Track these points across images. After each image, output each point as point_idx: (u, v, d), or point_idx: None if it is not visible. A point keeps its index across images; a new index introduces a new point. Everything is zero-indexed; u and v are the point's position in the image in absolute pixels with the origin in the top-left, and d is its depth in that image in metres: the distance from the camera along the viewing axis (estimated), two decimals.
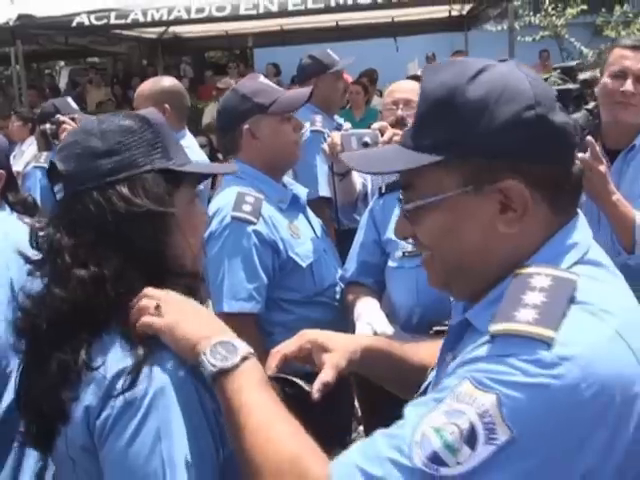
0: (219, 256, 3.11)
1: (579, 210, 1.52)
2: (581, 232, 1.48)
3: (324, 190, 4.73)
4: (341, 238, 4.06)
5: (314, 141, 4.95)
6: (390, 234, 3.22)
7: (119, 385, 1.57)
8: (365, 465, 1.32)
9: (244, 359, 1.54)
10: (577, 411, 1.25)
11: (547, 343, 1.26)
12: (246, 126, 3.25)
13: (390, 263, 3.24)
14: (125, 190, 1.67)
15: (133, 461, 1.54)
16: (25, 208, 3.18)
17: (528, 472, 1.24)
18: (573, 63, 3.06)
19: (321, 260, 3.31)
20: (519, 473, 1.24)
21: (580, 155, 2.86)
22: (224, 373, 1.53)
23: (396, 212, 3.10)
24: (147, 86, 4.94)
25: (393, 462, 1.29)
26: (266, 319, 3.18)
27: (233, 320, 2.95)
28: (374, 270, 3.32)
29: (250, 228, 3.11)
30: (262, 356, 3.03)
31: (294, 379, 1.79)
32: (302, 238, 3.28)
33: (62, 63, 19.65)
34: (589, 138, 2.88)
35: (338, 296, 3.35)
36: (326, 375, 1.77)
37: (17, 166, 6.71)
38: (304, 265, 3.21)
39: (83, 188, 1.70)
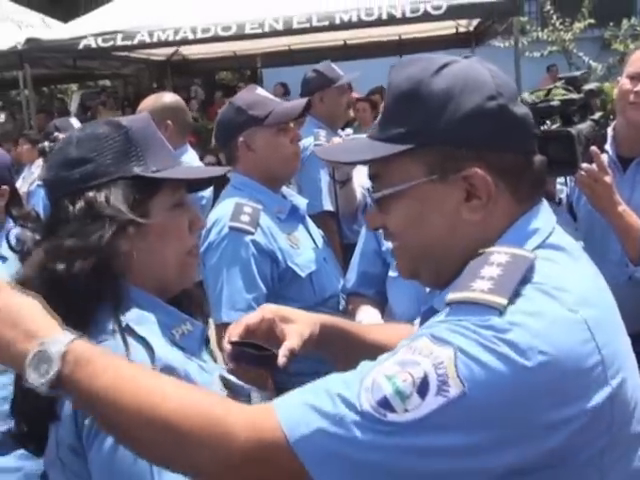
0: (217, 266, 3.11)
1: (543, 198, 1.57)
2: (542, 218, 1.52)
3: (328, 204, 4.72)
4: (345, 252, 4.04)
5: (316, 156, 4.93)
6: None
7: None
8: (315, 401, 1.31)
9: (64, 357, 1.38)
10: (525, 377, 1.27)
11: (499, 310, 1.30)
12: (241, 138, 3.27)
13: (391, 273, 3.21)
14: (90, 196, 1.68)
15: (121, 461, 1.53)
16: (29, 222, 3.20)
17: (473, 427, 1.26)
18: (577, 73, 3.02)
19: (321, 270, 3.30)
20: (464, 427, 1.26)
21: (585, 166, 2.83)
22: (56, 385, 1.40)
23: None
24: (149, 102, 4.94)
25: (343, 398, 1.30)
26: None
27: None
28: (375, 280, 3.28)
29: (248, 238, 3.11)
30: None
31: (259, 343, 1.76)
32: (301, 248, 3.28)
33: (74, 87, 19.82)
34: (594, 148, 2.85)
35: (341, 307, 3.33)
36: (291, 342, 1.77)
37: (25, 187, 6.73)
38: (303, 275, 3.20)
39: (59, 196, 1.73)
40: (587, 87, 2.92)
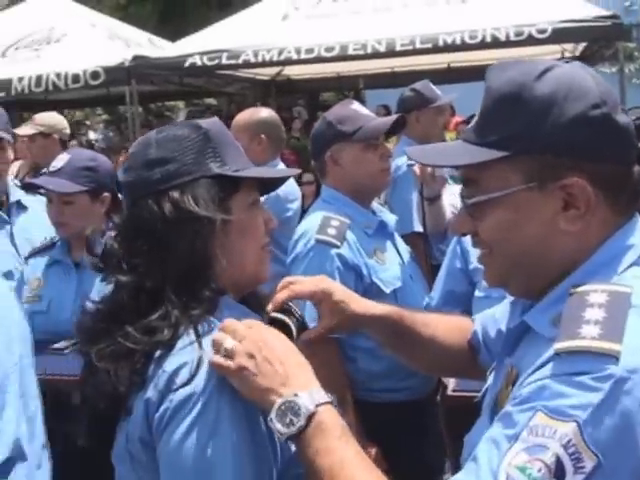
0: None
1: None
2: (638, 234, 1.47)
3: (418, 225, 4.65)
4: (433, 273, 3.99)
5: (410, 175, 4.89)
6: (478, 262, 3.14)
7: (178, 379, 1.57)
8: None
9: (310, 418, 1.47)
10: None
11: (615, 357, 1.25)
12: (329, 153, 3.28)
13: (477, 293, 3.17)
14: (176, 196, 1.69)
15: (186, 457, 1.54)
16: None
17: None
18: None
19: (406, 287, 3.29)
20: None
21: None
22: (294, 438, 1.49)
23: None
24: (245, 116, 5.00)
25: None
26: (349, 344, 3.18)
27: (314, 344, 2.94)
28: (460, 299, 3.26)
29: (334, 251, 3.13)
30: (342, 381, 3.03)
31: (289, 319, 1.81)
32: (387, 264, 3.27)
33: (181, 105, 20.25)
34: None
35: None
36: (325, 324, 1.92)
37: None
38: (388, 291, 3.19)
39: (139, 196, 1.74)
40: None
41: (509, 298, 1.81)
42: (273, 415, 1.49)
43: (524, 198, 1.45)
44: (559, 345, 1.31)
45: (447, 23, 8.92)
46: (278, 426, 1.48)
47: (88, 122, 19.14)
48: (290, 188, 4.93)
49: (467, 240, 3.26)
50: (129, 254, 1.71)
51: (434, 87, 5.55)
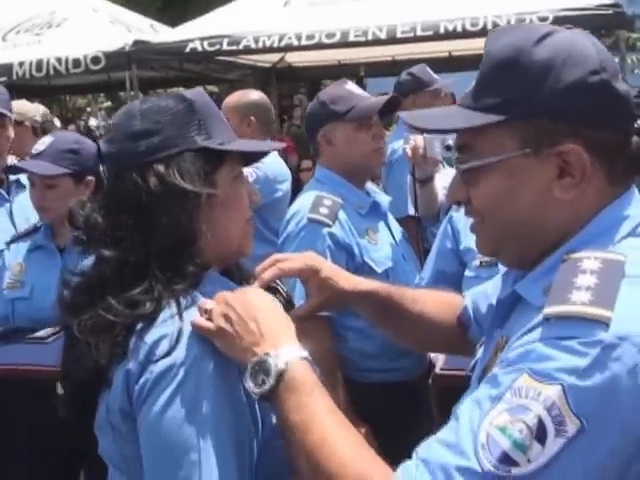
0: None
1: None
2: (634, 205, 1.45)
3: (413, 209, 4.64)
4: (426, 256, 4.00)
5: (406, 159, 4.89)
6: (469, 243, 3.14)
7: (159, 351, 1.57)
8: (430, 476, 1.27)
9: (281, 376, 1.47)
10: (636, 394, 1.22)
11: (605, 323, 1.24)
12: (321, 133, 3.27)
13: (467, 273, 3.18)
14: (161, 169, 1.68)
15: (166, 428, 1.53)
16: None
17: (598, 459, 1.21)
18: None
19: (398, 267, 3.31)
20: (590, 460, 1.21)
21: None
22: (269, 398, 1.50)
23: None
24: (234, 98, 5.05)
25: (460, 470, 1.24)
26: (340, 323, 3.19)
27: (305, 322, 2.95)
28: (450, 279, 3.24)
29: (325, 230, 3.14)
30: (333, 360, 3.03)
31: (275, 297, 1.77)
32: (380, 244, 3.28)
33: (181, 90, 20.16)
34: None
35: None
36: (312, 303, 1.93)
37: None
38: (379, 270, 3.20)
39: (123, 169, 1.72)
40: None
41: (500, 274, 1.81)
42: (247, 375, 1.51)
43: (519, 164, 1.44)
44: (548, 310, 1.30)
45: (448, 10, 8.90)
46: (251, 385, 1.50)
47: (89, 109, 19.14)
48: (279, 169, 4.96)
49: (458, 220, 3.27)
50: (113, 228, 1.69)
51: (431, 71, 5.55)
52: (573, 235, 1.43)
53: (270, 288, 1.82)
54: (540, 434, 1.21)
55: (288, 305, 1.83)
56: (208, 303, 1.60)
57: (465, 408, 1.32)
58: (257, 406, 1.60)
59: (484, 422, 1.26)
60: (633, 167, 1.48)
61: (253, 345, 1.53)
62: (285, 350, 1.51)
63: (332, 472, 1.36)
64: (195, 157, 1.70)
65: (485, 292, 1.97)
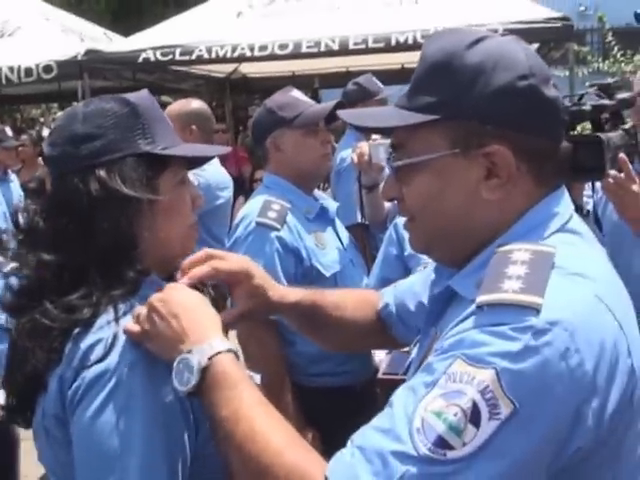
0: None
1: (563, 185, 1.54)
2: (563, 203, 1.50)
3: (360, 216, 4.68)
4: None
5: (355, 168, 4.94)
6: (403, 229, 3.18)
7: (93, 356, 1.56)
8: (366, 466, 1.28)
9: (203, 372, 1.49)
10: (568, 376, 1.26)
11: (535, 309, 1.27)
12: (270, 139, 3.29)
13: None
14: (102, 174, 1.66)
15: (97, 435, 1.52)
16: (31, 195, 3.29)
17: (531, 441, 1.24)
18: (610, 80, 2.98)
19: (346, 271, 3.32)
20: (523, 443, 1.24)
21: (612, 172, 2.78)
22: (193, 394, 1.51)
23: None
24: (176, 107, 5.09)
25: (396, 454, 1.26)
26: (288, 327, 3.15)
27: (252, 325, 2.96)
28: None
29: (273, 234, 3.15)
30: (280, 364, 3.04)
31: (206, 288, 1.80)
32: (327, 248, 3.30)
33: None
34: (622, 156, 2.80)
35: None
36: (240, 309, 1.84)
37: None
38: (327, 274, 3.23)
39: (65, 172, 1.70)
40: (620, 96, 2.87)
41: (429, 271, 1.85)
42: (173, 374, 1.51)
43: (448, 164, 1.47)
44: (480, 298, 1.33)
45: (400, 23, 9.02)
46: (176, 384, 1.50)
47: (42, 119, 19.00)
48: (221, 177, 5.00)
49: (402, 226, 3.30)
50: (53, 232, 1.69)
51: (377, 80, 5.62)
52: (502, 233, 1.47)
53: (196, 287, 1.75)
54: (474, 417, 1.23)
55: (218, 298, 1.82)
56: (138, 308, 1.60)
57: (399, 395, 1.34)
58: (191, 411, 1.60)
59: (419, 407, 1.28)
60: (563, 171, 1.53)
61: (177, 343, 1.53)
62: (208, 345, 1.51)
63: (266, 463, 1.37)
64: (137, 162, 1.69)
65: (411, 289, 2.01)
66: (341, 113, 1.68)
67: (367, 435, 1.32)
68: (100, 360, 1.55)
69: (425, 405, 1.28)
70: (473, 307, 1.34)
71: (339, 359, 3.19)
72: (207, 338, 1.53)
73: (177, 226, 1.76)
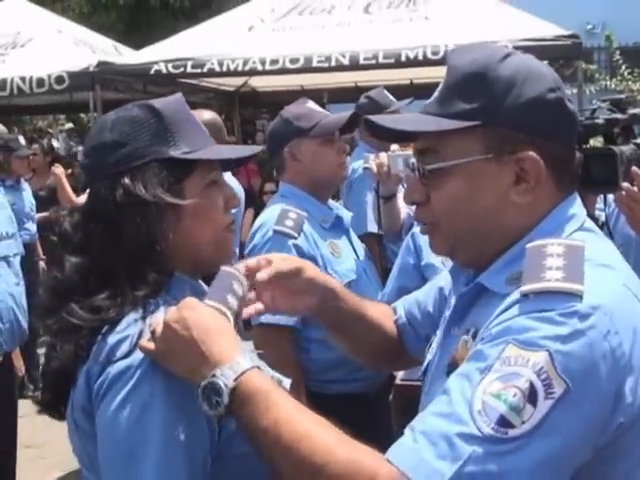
0: None
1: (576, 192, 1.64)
2: (578, 206, 1.62)
3: (372, 226, 4.74)
4: (387, 275, 4.06)
5: (366, 178, 4.99)
6: (430, 259, 3.23)
7: (119, 352, 1.61)
8: (432, 449, 1.33)
9: (233, 393, 1.48)
10: (611, 356, 1.36)
11: (579, 296, 1.38)
12: (287, 149, 3.36)
13: None
14: (127, 181, 1.71)
15: (118, 429, 1.56)
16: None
17: (582, 416, 1.34)
18: (622, 96, 3.03)
19: (361, 281, 3.37)
20: (575, 419, 1.33)
21: (625, 185, 2.83)
22: (225, 415, 1.51)
23: None
24: None
25: (462, 436, 1.33)
26: (303, 335, 3.25)
27: (269, 332, 3.01)
28: None
29: (291, 242, 3.21)
30: (295, 371, 3.08)
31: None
32: (342, 257, 3.36)
33: None
34: (635, 169, 2.85)
35: None
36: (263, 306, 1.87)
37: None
38: (343, 283, 3.21)
39: (94, 180, 1.77)
40: (632, 111, 2.91)
41: (434, 280, 1.98)
42: (200, 399, 1.50)
43: (480, 168, 1.56)
44: (525, 288, 1.43)
45: (410, 39, 9.04)
46: (206, 409, 1.50)
47: (51, 130, 19.06)
48: (234, 188, 5.02)
49: (420, 236, 3.35)
50: (83, 236, 1.75)
51: (388, 94, 5.67)
52: (528, 233, 1.56)
53: None
54: (532, 397, 1.32)
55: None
56: (156, 324, 1.61)
57: (453, 383, 1.41)
58: None
59: (477, 391, 1.36)
60: (576, 177, 1.64)
61: (198, 365, 1.52)
62: (232, 365, 1.50)
63: (321, 462, 1.38)
64: (160, 167, 1.73)
65: (416, 300, 2.09)
66: (374, 119, 1.69)
67: (428, 421, 1.38)
68: (125, 356, 1.60)
69: (483, 389, 1.35)
70: (517, 296, 1.43)
71: (352, 366, 3.21)
72: (230, 358, 1.52)
73: (208, 229, 1.78)
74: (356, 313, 2.05)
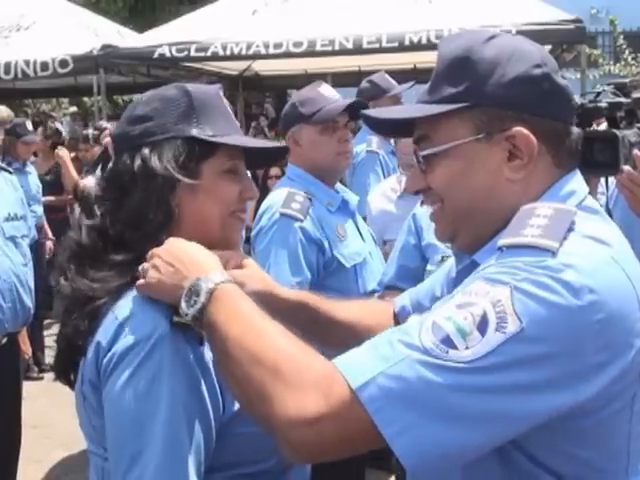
0: (266, 250, 3.25)
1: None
2: (578, 182, 1.61)
3: None
4: None
5: (369, 161, 5.05)
6: (431, 239, 3.26)
7: (127, 327, 1.64)
8: (375, 350, 1.37)
9: (211, 294, 1.56)
10: (578, 314, 1.33)
11: (552, 252, 1.38)
12: (289, 134, 3.42)
13: (429, 267, 3.28)
14: (146, 152, 1.76)
15: (126, 402, 1.59)
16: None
17: (530, 362, 1.31)
18: (626, 80, 3.05)
19: (366, 264, 3.42)
20: (523, 362, 1.31)
21: (627, 168, 2.85)
22: (200, 315, 1.57)
23: None
24: None
25: (402, 342, 1.36)
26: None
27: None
28: (413, 274, 3.36)
29: (297, 224, 3.25)
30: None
31: None
32: (348, 240, 3.39)
33: None
34: (637, 152, 2.87)
35: None
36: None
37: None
38: (348, 265, 3.32)
39: (121, 149, 1.82)
40: (636, 95, 2.93)
41: (438, 272, 1.99)
42: (182, 304, 1.59)
43: (472, 149, 1.57)
44: (501, 241, 1.46)
45: (414, 23, 9.04)
46: (184, 307, 1.59)
47: (55, 114, 19.07)
48: None
49: (421, 217, 3.38)
50: (101, 202, 1.80)
51: (389, 78, 5.70)
52: None
53: None
54: (482, 325, 1.32)
55: None
56: (144, 264, 1.69)
57: (418, 314, 1.46)
58: (219, 391, 1.66)
59: (432, 314, 1.40)
60: (575, 153, 1.64)
61: (182, 280, 1.61)
62: (213, 275, 1.60)
63: (272, 351, 1.44)
64: (180, 145, 1.77)
65: (424, 288, 2.09)
66: (367, 112, 1.78)
67: (381, 333, 1.42)
68: (134, 332, 1.62)
69: (439, 312, 1.39)
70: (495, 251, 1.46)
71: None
72: (212, 269, 1.62)
73: (216, 212, 1.81)
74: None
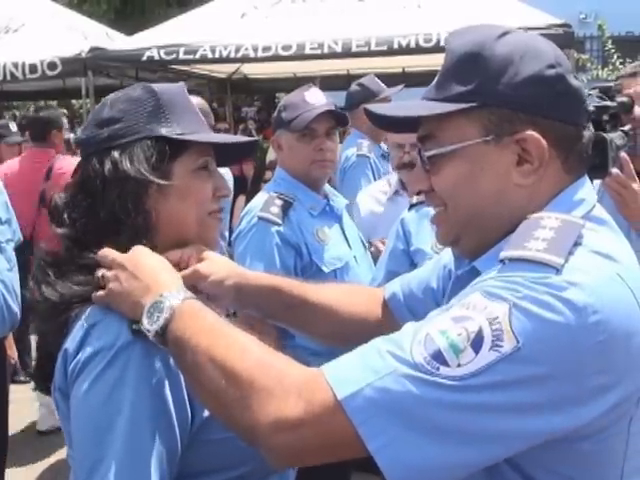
0: (243, 253, 3.27)
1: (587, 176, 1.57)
2: (587, 190, 1.53)
3: None
4: None
5: (360, 165, 5.04)
6: (420, 244, 3.26)
7: (94, 333, 1.62)
8: (364, 360, 1.33)
9: (174, 311, 1.54)
10: (580, 334, 1.27)
11: (556, 268, 1.31)
12: (273, 137, 3.49)
13: None
14: (116, 155, 1.73)
15: (90, 408, 1.58)
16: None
17: (523, 383, 1.26)
18: (611, 83, 3.05)
19: (348, 268, 3.40)
20: (515, 383, 1.26)
21: (614, 171, 2.86)
22: (162, 332, 1.54)
23: (426, 223, 3.11)
24: None
25: (392, 354, 1.31)
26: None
27: (254, 318, 3.02)
28: None
29: (274, 229, 3.26)
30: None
31: None
32: (329, 245, 3.38)
33: None
34: (624, 155, 2.88)
35: None
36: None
37: None
38: (327, 270, 3.32)
39: (89, 154, 1.79)
40: (620, 99, 2.94)
41: (433, 260, 1.93)
42: (144, 320, 1.56)
43: (480, 151, 1.50)
44: (504, 253, 1.39)
45: (403, 27, 9.03)
46: (145, 324, 1.55)
47: None
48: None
49: (409, 222, 3.38)
50: (71, 208, 1.77)
51: (379, 81, 5.70)
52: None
53: None
54: (476, 342, 1.27)
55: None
56: (101, 271, 1.67)
57: (412, 323, 1.40)
58: (187, 400, 1.63)
59: (427, 326, 1.34)
60: (586, 158, 1.57)
61: (145, 294, 1.58)
62: (177, 291, 1.58)
63: (244, 364, 1.41)
64: (149, 145, 1.75)
65: (417, 277, 2.02)
66: (371, 107, 1.67)
67: (373, 342, 1.37)
68: (100, 337, 1.60)
69: (433, 325, 1.33)
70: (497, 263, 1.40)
71: (340, 354, 3.23)
72: (175, 285, 1.60)
73: (191, 212, 1.79)
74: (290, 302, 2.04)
